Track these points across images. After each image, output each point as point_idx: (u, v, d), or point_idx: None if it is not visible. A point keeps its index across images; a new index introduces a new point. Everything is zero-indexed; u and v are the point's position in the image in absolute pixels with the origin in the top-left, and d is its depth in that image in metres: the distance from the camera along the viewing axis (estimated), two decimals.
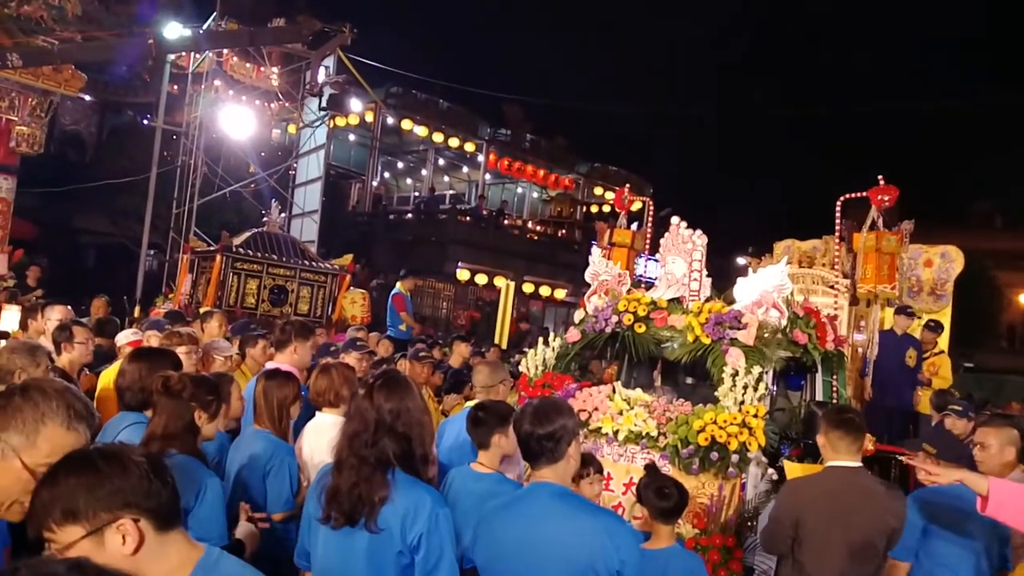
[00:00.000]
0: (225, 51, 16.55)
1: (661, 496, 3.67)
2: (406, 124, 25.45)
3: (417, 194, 30.18)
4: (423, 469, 2.78)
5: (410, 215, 27.48)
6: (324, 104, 16.17)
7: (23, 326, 7.33)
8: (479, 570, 2.89)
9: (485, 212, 26.69)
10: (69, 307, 6.04)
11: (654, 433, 4.70)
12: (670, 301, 5.39)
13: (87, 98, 19.57)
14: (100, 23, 15.09)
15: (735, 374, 4.67)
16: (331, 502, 2.69)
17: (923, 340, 9.41)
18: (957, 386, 12.18)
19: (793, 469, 4.51)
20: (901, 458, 6.12)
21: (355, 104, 17.19)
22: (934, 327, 9.52)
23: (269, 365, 4.90)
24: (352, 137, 27.23)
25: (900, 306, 8.81)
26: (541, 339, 5.84)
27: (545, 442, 2.78)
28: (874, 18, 57.15)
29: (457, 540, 2.79)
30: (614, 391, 5.06)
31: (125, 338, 6.01)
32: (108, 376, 5.00)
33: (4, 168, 13.45)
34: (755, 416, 4.51)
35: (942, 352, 9.50)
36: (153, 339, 5.61)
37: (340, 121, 21.28)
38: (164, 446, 3.15)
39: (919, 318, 9.53)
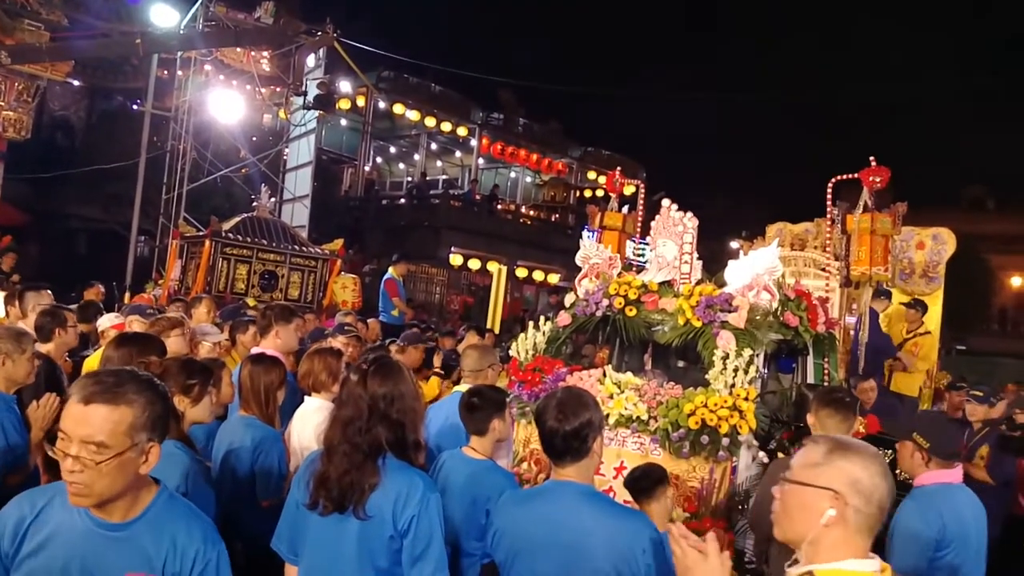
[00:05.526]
0: None
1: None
2: (398, 108, 25.29)
3: (410, 179, 30.07)
4: (415, 455, 2.75)
5: (403, 200, 27.39)
6: (310, 103, 16.12)
7: (9, 313, 7.26)
8: (498, 565, 2.86)
9: (478, 197, 26.61)
10: (50, 292, 5.95)
11: (644, 417, 4.68)
12: (661, 284, 5.36)
13: (75, 83, 19.41)
14: (87, 7, 14.97)
15: (726, 357, 4.65)
16: (319, 488, 2.66)
17: (907, 319, 9.37)
18: (949, 368, 12.22)
19: None
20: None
21: (344, 87, 17.08)
22: (914, 305, 9.45)
23: (254, 350, 4.87)
24: (344, 122, 27.06)
25: (877, 289, 8.79)
26: (532, 323, 5.80)
27: (571, 440, 2.69)
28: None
29: (446, 523, 2.76)
30: (604, 375, 5.03)
31: (108, 322, 5.93)
32: (92, 363, 4.96)
33: None
34: (746, 399, 4.48)
35: (928, 333, 9.43)
36: (135, 324, 5.54)
37: None
38: None
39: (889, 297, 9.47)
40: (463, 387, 4.57)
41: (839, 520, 1.82)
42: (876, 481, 1.85)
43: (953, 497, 3.59)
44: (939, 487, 3.56)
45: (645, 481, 3.73)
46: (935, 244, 10.19)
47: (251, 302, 10.67)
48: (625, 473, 4.17)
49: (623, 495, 4.14)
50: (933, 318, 10.12)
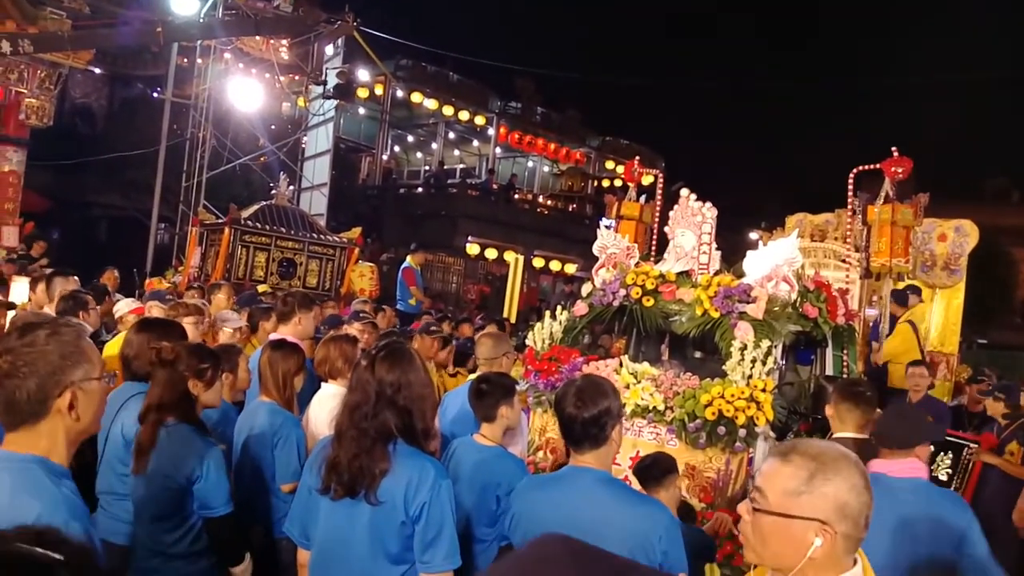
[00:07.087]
0: None
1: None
2: (416, 97, 25.31)
3: (427, 168, 30.10)
4: (425, 442, 2.75)
5: (420, 189, 27.43)
6: (329, 92, 16.16)
7: (31, 298, 7.35)
8: (515, 548, 2.86)
9: (495, 186, 26.59)
10: (75, 278, 6.04)
11: (661, 407, 4.66)
12: (679, 274, 5.33)
13: (96, 71, 19.54)
14: None
15: (743, 348, 4.62)
16: (331, 473, 2.67)
17: (892, 312, 9.20)
18: (969, 361, 12.08)
19: None
20: None
21: (362, 75, 17.08)
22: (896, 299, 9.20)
23: (273, 336, 4.90)
24: (362, 110, 27.09)
25: (894, 290, 8.62)
26: (548, 312, 5.79)
27: (590, 427, 2.69)
28: None
29: (457, 509, 2.76)
30: (621, 365, 5.02)
31: (126, 307, 6.00)
32: (112, 347, 5.02)
33: (14, 141, 13.52)
34: (763, 390, 4.45)
35: (908, 321, 9.20)
36: (155, 310, 5.60)
37: None
38: (162, 415, 3.15)
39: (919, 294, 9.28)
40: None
41: (827, 548, 1.69)
42: (864, 499, 1.72)
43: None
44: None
45: (655, 469, 3.73)
46: (957, 236, 10.05)
47: (262, 288, 10.72)
48: None
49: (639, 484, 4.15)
50: (954, 311, 10.02)
